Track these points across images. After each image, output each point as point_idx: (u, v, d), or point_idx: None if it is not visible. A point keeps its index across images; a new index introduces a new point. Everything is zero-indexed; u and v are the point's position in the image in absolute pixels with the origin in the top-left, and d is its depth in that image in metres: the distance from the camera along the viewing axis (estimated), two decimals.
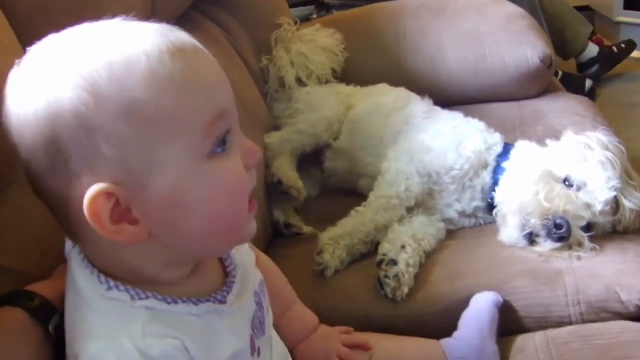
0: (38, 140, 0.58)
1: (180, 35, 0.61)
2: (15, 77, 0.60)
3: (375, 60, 1.77)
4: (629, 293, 1.06)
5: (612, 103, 2.96)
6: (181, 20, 1.43)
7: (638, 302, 1.05)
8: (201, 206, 0.61)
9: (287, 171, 1.40)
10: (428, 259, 1.19)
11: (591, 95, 2.91)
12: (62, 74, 0.57)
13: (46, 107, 0.57)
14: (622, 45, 3.16)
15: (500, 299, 1.05)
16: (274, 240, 1.35)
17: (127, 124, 0.57)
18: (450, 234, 1.28)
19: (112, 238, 0.59)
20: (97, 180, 0.57)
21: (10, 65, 0.61)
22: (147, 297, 0.63)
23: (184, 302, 0.65)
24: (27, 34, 0.88)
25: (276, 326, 0.83)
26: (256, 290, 0.76)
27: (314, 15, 2.44)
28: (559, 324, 1.06)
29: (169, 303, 0.64)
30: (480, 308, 1.03)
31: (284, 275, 1.16)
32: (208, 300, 0.67)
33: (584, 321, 1.06)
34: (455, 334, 1.01)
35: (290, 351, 0.89)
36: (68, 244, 0.69)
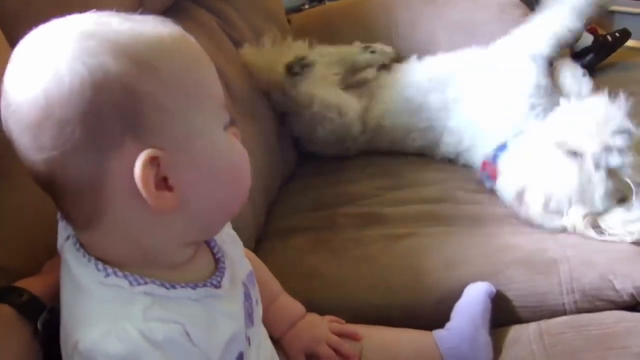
0: (75, 111, 0.57)
1: (175, 24, 0.65)
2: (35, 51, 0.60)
3: None
4: (623, 281, 1.05)
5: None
6: (172, 9, 1.42)
7: (632, 291, 1.04)
8: (226, 169, 0.66)
9: None
10: (420, 246, 1.18)
11: None
12: (102, 45, 0.58)
13: (90, 77, 0.57)
14: (617, 34, 3.15)
15: (494, 290, 1.04)
16: (265, 233, 1.34)
17: (167, 92, 0.60)
18: (444, 220, 1.27)
19: (155, 205, 0.60)
20: (142, 145, 0.59)
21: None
22: (146, 283, 0.63)
23: (182, 287, 0.65)
24: (15, 30, 0.88)
25: (263, 317, 0.83)
26: (244, 281, 0.76)
27: (306, 6, 2.42)
28: (554, 313, 1.05)
29: (167, 288, 0.64)
30: (473, 299, 1.02)
31: (277, 268, 1.17)
32: (204, 285, 0.67)
33: (578, 310, 1.06)
34: (448, 325, 1.00)
35: (278, 341, 0.90)
36: (60, 237, 0.68)
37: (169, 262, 0.66)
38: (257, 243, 1.29)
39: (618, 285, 1.05)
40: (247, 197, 0.70)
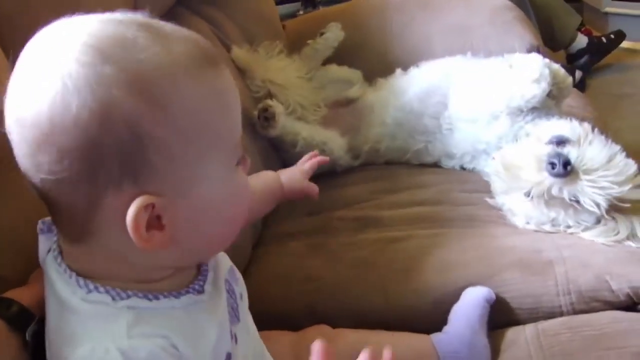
0: (77, 144, 0.54)
1: (212, 47, 0.62)
2: (56, 70, 0.55)
3: (362, 54, 1.77)
4: (619, 282, 1.05)
5: (602, 94, 2.96)
6: (166, 17, 1.41)
7: (629, 291, 1.05)
8: (224, 213, 0.64)
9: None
10: (417, 248, 1.18)
11: (581, 86, 2.91)
12: (118, 76, 0.54)
13: (98, 110, 0.54)
14: (612, 36, 3.16)
15: (493, 295, 1.04)
16: (261, 238, 1.34)
17: (180, 138, 0.57)
18: (440, 222, 1.27)
19: (143, 246, 0.58)
20: (140, 191, 0.56)
21: None
22: (129, 297, 0.61)
23: (165, 297, 0.64)
24: (8, 34, 0.88)
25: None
26: (226, 277, 0.74)
27: (301, 12, 2.43)
28: (550, 314, 1.05)
29: (150, 300, 0.62)
30: (471, 302, 1.02)
31: (274, 273, 1.17)
32: (187, 292, 0.66)
33: (575, 311, 1.06)
34: (446, 328, 1.00)
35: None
36: (42, 251, 0.67)
37: (153, 278, 0.64)
38: (254, 248, 1.29)
39: (614, 286, 1.05)
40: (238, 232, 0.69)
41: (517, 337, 1.02)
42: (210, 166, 0.60)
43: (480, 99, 1.40)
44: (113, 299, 0.61)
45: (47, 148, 0.55)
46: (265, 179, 1.04)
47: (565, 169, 1.12)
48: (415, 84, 1.53)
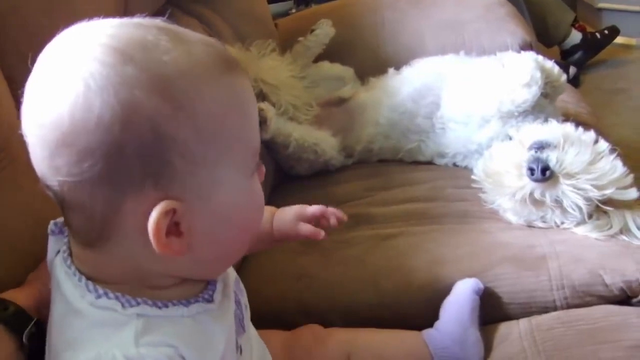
0: (98, 145, 0.54)
1: (229, 52, 0.62)
2: (79, 70, 0.55)
3: (355, 52, 1.76)
4: (613, 276, 1.05)
5: (596, 90, 2.97)
6: (156, 16, 1.41)
7: (622, 285, 1.05)
8: (241, 219, 0.64)
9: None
10: (409, 245, 1.18)
11: (575, 82, 2.92)
12: (140, 76, 0.54)
13: (121, 111, 0.53)
14: (606, 31, 3.17)
15: (481, 286, 1.04)
16: None
17: (200, 139, 0.56)
18: (432, 218, 1.27)
19: (161, 252, 0.57)
20: (161, 195, 0.56)
21: None
22: (138, 304, 0.61)
23: (174, 304, 0.63)
24: (1, 37, 0.88)
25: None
26: (234, 289, 0.74)
27: (293, 10, 2.43)
28: (544, 309, 1.05)
29: (160, 307, 0.62)
30: (460, 296, 1.02)
31: (267, 270, 1.16)
32: (197, 301, 0.65)
33: (568, 306, 1.05)
34: (437, 324, 1.00)
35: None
36: (51, 252, 0.67)
37: (163, 286, 0.64)
38: None
39: (608, 280, 1.05)
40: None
41: (511, 331, 1.02)
42: (228, 171, 0.60)
43: (471, 102, 1.40)
44: (123, 305, 0.60)
45: (67, 149, 0.54)
46: None
47: (543, 174, 1.13)
48: (408, 84, 1.53)
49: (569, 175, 1.14)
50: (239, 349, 0.71)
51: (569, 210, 1.14)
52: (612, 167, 1.15)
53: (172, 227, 0.58)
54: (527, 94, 1.29)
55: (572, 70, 2.98)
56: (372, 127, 1.53)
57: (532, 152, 1.17)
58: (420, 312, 1.06)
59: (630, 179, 1.16)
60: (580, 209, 1.13)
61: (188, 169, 0.56)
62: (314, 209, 0.93)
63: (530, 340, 0.98)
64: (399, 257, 1.15)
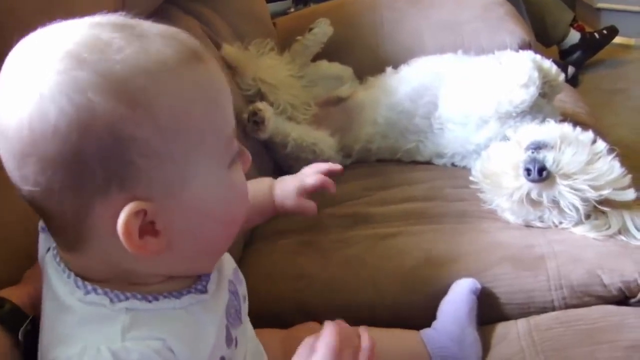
0: (58, 153, 0.53)
1: (194, 42, 0.60)
2: (18, 80, 0.55)
3: (353, 52, 1.76)
4: (611, 276, 1.05)
5: (595, 90, 2.96)
6: (156, 15, 1.40)
7: (620, 285, 1.05)
8: (220, 212, 0.63)
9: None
10: (408, 245, 1.18)
11: (574, 82, 2.91)
12: (92, 80, 0.53)
13: (76, 117, 0.53)
14: (604, 31, 3.16)
15: (479, 286, 1.04)
16: (252, 236, 1.33)
17: (163, 136, 0.55)
18: (431, 218, 1.26)
19: (137, 253, 0.57)
20: (129, 197, 0.55)
21: None
22: (127, 299, 0.60)
23: (165, 297, 0.63)
24: None
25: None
26: (230, 278, 0.74)
27: (292, 9, 2.42)
28: (542, 309, 1.05)
29: (150, 301, 0.62)
30: (457, 296, 1.02)
31: (265, 270, 1.16)
32: (189, 292, 0.65)
33: (567, 306, 1.05)
34: (435, 324, 1.00)
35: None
36: (41, 248, 0.67)
37: (150, 283, 0.63)
38: (245, 247, 1.28)
39: (606, 280, 1.05)
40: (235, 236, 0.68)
41: (509, 331, 1.02)
42: (200, 165, 0.59)
43: (469, 103, 1.40)
44: (111, 301, 0.60)
45: (30, 159, 0.54)
46: (254, 192, 0.98)
47: (540, 174, 1.13)
48: (405, 83, 1.52)
49: (566, 176, 1.14)
50: (234, 341, 0.71)
51: (566, 210, 1.14)
52: (610, 167, 1.15)
53: (147, 227, 0.57)
54: (525, 95, 1.29)
55: (571, 70, 2.98)
56: (370, 127, 1.53)
57: (529, 152, 1.17)
58: (418, 312, 1.06)
59: (628, 179, 1.16)
60: (577, 209, 1.13)
61: (153, 168, 0.56)
62: (313, 181, 0.96)
63: (529, 340, 0.98)
64: (398, 257, 1.15)
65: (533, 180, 1.14)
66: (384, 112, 1.52)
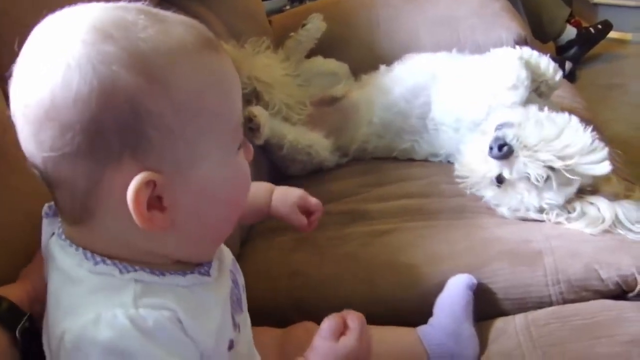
0: (78, 118, 0.56)
1: (211, 33, 0.63)
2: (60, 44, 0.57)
3: (349, 49, 1.76)
4: (609, 271, 1.05)
5: (592, 85, 2.96)
6: None
7: (618, 280, 1.04)
8: (225, 196, 0.64)
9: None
10: (404, 241, 1.17)
11: (571, 77, 2.91)
12: (118, 53, 0.56)
13: (98, 86, 0.55)
14: (599, 26, 3.16)
15: (475, 281, 1.04)
16: (249, 234, 1.33)
17: (177, 114, 0.58)
18: (428, 214, 1.26)
19: (143, 225, 0.58)
20: (140, 167, 0.57)
21: None
22: (136, 270, 0.61)
23: (171, 274, 0.64)
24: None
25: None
26: (230, 268, 0.75)
27: (287, 7, 2.42)
28: (539, 304, 1.05)
29: (157, 275, 0.63)
30: (453, 292, 1.01)
31: (261, 268, 1.16)
32: (193, 272, 0.66)
33: (564, 301, 1.05)
34: (431, 320, 0.99)
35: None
36: (45, 235, 0.68)
37: (155, 264, 0.64)
38: (242, 244, 1.28)
39: (603, 275, 1.05)
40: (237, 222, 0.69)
41: (507, 327, 1.01)
42: (209, 146, 0.61)
43: (460, 107, 1.40)
44: (120, 271, 0.61)
45: (50, 124, 0.56)
46: (254, 191, 0.97)
47: (500, 149, 1.16)
48: (400, 83, 1.52)
49: (528, 148, 1.16)
50: (238, 327, 0.72)
51: (535, 182, 1.15)
52: (579, 138, 1.17)
53: (155, 201, 0.59)
54: (514, 97, 1.29)
55: (568, 65, 2.98)
56: (365, 127, 1.53)
57: (493, 133, 1.20)
58: (415, 308, 1.05)
59: (603, 153, 1.17)
60: (550, 182, 1.15)
61: (165, 142, 0.58)
62: (315, 203, 1.00)
63: (527, 336, 0.98)
64: (394, 253, 1.14)
65: (496, 157, 1.17)
66: (379, 112, 1.52)
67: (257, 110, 1.43)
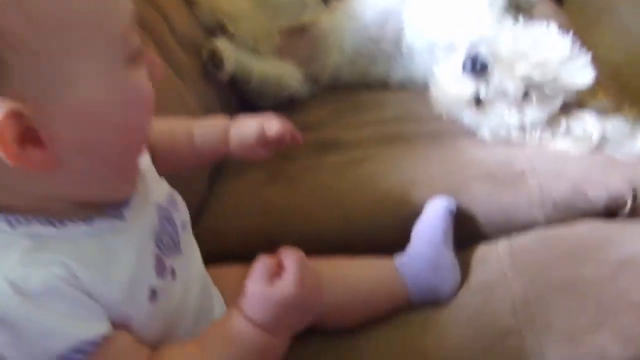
0: None
1: None
2: None
3: None
4: (597, 190, 1.00)
5: (581, 7, 2.88)
6: None
7: (606, 199, 1.00)
8: (115, 119, 0.57)
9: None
10: (380, 168, 1.12)
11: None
12: None
13: None
14: None
15: (455, 205, 0.97)
16: (219, 171, 1.26)
17: (36, 30, 0.50)
18: (404, 140, 1.20)
19: (18, 164, 0.51)
20: (1, 97, 0.50)
21: None
22: (29, 222, 0.55)
23: (73, 222, 0.57)
24: None
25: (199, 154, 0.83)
26: (162, 204, 0.68)
27: None
28: (523, 228, 1.00)
29: (55, 226, 0.56)
30: (432, 217, 0.95)
31: (233, 206, 1.10)
32: (101, 219, 0.59)
33: (550, 223, 1.00)
34: (409, 248, 0.93)
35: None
36: None
37: (54, 210, 0.57)
38: (212, 184, 1.21)
39: (591, 195, 1.00)
40: (142, 148, 0.62)
41: (489, 253, 0.96)
42: (85, 63, 0.53)
43: (433, 27, 1.34)
44: (10, 224, 0.55)
45: None
46: (207, 130, 0.89)
47: (474, 66, 1.12)
48: (370, 7, 1.45)
49: (503, 63, 1.11)
50: (169, 271, 0.66)
51: (514, 99, 1.10)
52: (557, 46, 1.12)
53: (30, 135, 0.51)
54: (489, 13, 1.24)
55: None
56: (337, 55, 1.46)
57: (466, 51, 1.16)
58: (392, 236, 0.99)
59: (585, 59, 1.12)
60: (530, 97, 1.10)
61: (27, 65, 0.50)
62: (275, 132, 0.89)
63: (510, 262, 0.93)
64: (369, 181, 1.09)
65: (470, 74, 1.13)
66: (350, 38, 1.45)
67: (220, 42, 1.34)
